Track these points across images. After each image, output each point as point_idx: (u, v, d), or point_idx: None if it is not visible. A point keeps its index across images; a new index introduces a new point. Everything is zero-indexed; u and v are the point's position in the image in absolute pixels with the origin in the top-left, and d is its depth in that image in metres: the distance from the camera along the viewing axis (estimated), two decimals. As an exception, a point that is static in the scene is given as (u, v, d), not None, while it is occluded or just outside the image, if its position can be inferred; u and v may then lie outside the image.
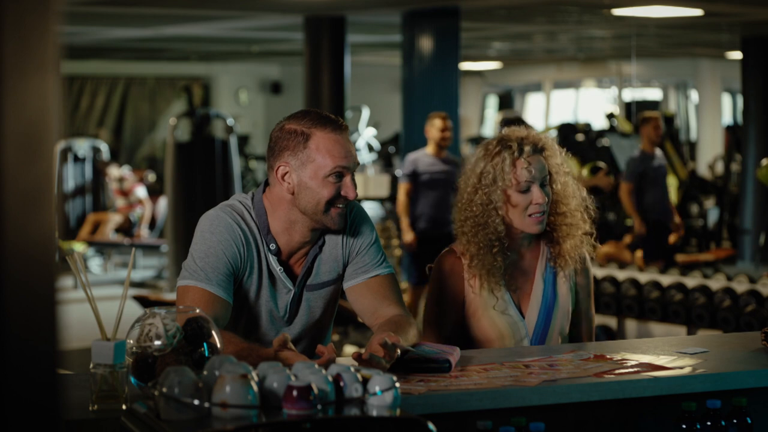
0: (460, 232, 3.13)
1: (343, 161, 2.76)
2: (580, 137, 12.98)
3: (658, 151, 9.19)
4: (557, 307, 3.15)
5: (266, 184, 2.88)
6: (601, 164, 10.93)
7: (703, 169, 15.69)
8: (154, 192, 14.15)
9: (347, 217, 2.87)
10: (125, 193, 13.42)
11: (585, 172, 10.82)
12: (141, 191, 13.47)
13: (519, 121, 8.08)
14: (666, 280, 7.97)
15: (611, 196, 11.61)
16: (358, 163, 2.84)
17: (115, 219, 13.31)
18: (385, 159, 14.85)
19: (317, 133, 2.76)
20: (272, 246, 2.82)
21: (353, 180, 2.81)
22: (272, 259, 2.83)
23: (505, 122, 8.02)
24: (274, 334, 2.85)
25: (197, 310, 2.42)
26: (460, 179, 3.19)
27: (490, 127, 19.47)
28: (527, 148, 3.06)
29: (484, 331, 3.11)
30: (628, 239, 10.02)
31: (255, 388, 1.98)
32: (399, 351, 2.57)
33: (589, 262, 3.23)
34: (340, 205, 2.79)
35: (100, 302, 2.41)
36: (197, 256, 2.76)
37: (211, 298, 2.71)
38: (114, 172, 13.53)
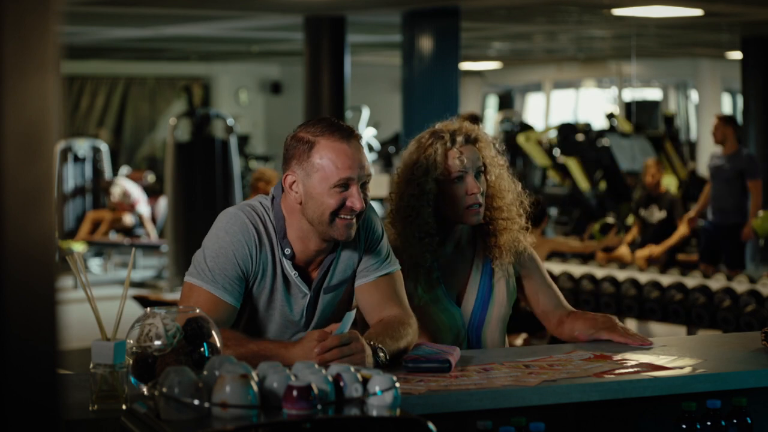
0: (389, 226, 3.11)
1: (348, 172, 2.68)
2: (580, 137, 12.99)
3: (732, 152, 9.17)
4: (493, 298, 3.15)
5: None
6: (610, 220, 10.86)
7: (703, 169, 15.68)
8: (154, 192, 14.15)
9: (357, 225, 2.78)
10: (130, 207, 13.35)
11: (596, 228, 10.75)
12: (143, 208, 13.39)
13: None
14: (666, 280, 7.97)
15: (612, 194, 11.62)
16: (370, 174, 2.74)
17: (113, 217, 13.28)
18: (385, 159, 14.85)
19: (322, 142, 2.69)
20: (287, 251, 2.76)
21: (362, 191, 2.72)
22: (287, 264, 2.78)
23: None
24: (288, 337, 2.83)
25: (197, 310, 2.42)
26: (393, 174, 3.21)
27: (490, 127, 19.48)
28: (459, 138, 3.07)
29: (420, 323, 3.09)
30: (628, 238, 10.02)
31: (255, 388, 1.98)
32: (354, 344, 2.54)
33: (531, 250, 3.24)
34: (347, 216, 2.71)
35: (100, 302, 2.41)
36: (208, 255, 2.72)
37: (216, 302, 2.69)
38: (116, 189, 13.40)
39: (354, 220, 2.73)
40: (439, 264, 3.13)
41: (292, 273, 2.78)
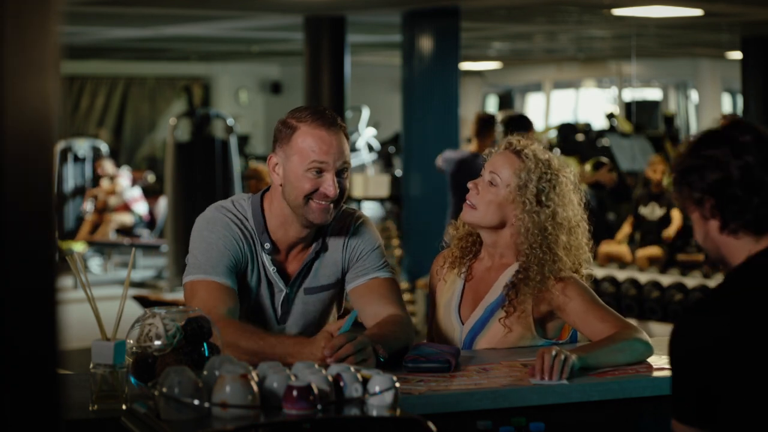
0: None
1: (322, 156, 2.74)
2: (580, 137, 12.98)
3: None
4: (484, 332, 2.95)
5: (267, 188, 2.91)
6: (605, 160, 10.94)
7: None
8: (154, 192, 14.15)
9: (336, 211, 2.82)
10: (113, 192, 13.36)
11: (588, 167, 10.80)
12: (135, 191, 13.42)
13: (521, 118, 7.99)
14: (666, 280, 7.98)
15: (612, 194, 11.62)
16: (347, 163, 2.79)
17: (116, 219, 13.29)
18: (385, 159, 14.84)
19: (303, 127, 2.77)
20: (266, 245, 2.82)
21: (337, 179, 2.76)
22: (266, 258, 2.83)
23: (509, 120, 7.88)
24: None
25: (196, 310, 2.43)
26: None
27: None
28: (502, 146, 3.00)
29: (435, 327, 3.08)
30: (620, 235, 10.02)
31: (255, 388, 1.98)
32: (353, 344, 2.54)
33: (561, 284, 2.89)
34: (321, 201, 2.76)
35: (100, 302, 2.41)
36: (199, 252, 2.77)
37: (221, 289, 2.73)
38: (108, 167, 13.47)
39: (330, 206, 2.77)
40: (470, 273, 3.04)
41: (270, 268, 2.83)
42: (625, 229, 9.91)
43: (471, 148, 7.93)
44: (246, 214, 2.84)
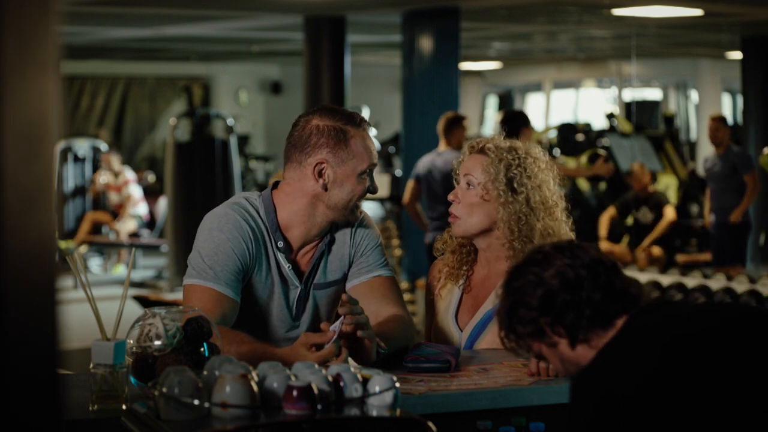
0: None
1: (376, 159, 2.86)
2: (580, 137, 12.98)
3: (723, 151, 9.20)
4: (482, 338, 2.96)
5: (274, 185, 2.89)
6: (601, 151, 10.96)
7: (703, 169, 15.69)
8: (154, 192, 14.15)
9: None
10: (117, 188, 13.35)
11: (583, 160, 10.80)
12: (135, 190, 13.41)
13: (520, 115, 7.96)
14: (666, 280, 7.98)
15: (611, 193, 11.62)
16: None
17: (126, 226, 13.23)
18: (385, 159, 14.85)
19: (353, 130, 2.80)
20: (280, 243, 2.81)
21: None
22: (281, 257, 2.82)
23: (507, 116, 7.86)
24: (284, 331, 2.86)
25: (197, 309, 2.43)
26: None
27: (490, 127, 19.47)
28: (470, 147, 3.03)
29: (433, 336, 3.07)
30: (626, 239, 10.02)
31: (255, 388, 1.98)
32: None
33: None
34: (361, 201, 2.87)
35: (100, 302, 2.41)
36: (205, 254, 2.73)
37: (220, 298, 2.70)
38: (115, 162, 13.45)
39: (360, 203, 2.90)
40: (468, 284, 3.04)
41: (286, 266, 2.83)
42: (604, 221, 9.88)
43: (440, 148, 7.99)
44: (259, 211, 2.83)
